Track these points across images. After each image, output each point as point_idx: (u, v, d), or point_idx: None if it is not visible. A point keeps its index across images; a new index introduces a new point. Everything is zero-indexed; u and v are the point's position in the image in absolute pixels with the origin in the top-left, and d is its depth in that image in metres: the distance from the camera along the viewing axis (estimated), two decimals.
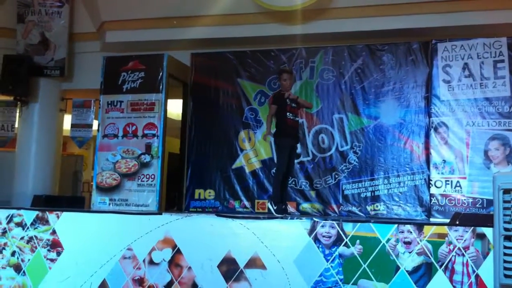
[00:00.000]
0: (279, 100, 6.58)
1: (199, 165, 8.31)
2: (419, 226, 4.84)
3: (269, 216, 6.09)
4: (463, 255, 4.62)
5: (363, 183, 7.61)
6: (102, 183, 8.04)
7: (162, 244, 5.53)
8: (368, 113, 7.75)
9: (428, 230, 4.79)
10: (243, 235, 5.28)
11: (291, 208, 7.65)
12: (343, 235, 4.97)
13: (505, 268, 3.44)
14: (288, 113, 6.52)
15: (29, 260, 5.97)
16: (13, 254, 6.05)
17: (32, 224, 6.05)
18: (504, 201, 3.45)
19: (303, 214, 7.66)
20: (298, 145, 7.81)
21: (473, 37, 7.27)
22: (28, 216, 6.10)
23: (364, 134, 7.72)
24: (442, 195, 7.10)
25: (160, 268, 5.49)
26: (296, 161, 7.83)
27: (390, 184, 7.49)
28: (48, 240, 5.94)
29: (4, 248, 6.08)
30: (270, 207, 6.38)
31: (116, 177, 7.99)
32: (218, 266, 5.28)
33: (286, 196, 7.00)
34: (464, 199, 7.01)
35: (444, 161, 7.16)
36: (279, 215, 6.16)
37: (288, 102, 6.56)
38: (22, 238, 6.05)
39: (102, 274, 5.66)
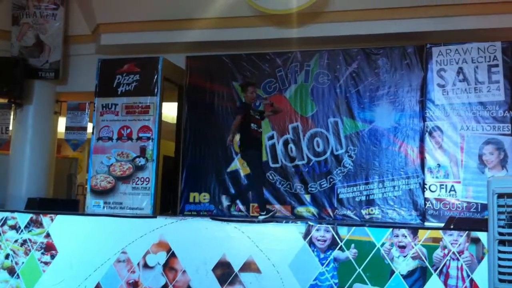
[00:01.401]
0: (245, 111, 6.60)
1: (194, 168, 8.29)
2: (414, 230, 4.85)
3: (264, 219, 6.10)
4: (457, 259, 4.63)
5: (358, 187, 7.62)
6: (96, 186, 8.01)
7: (156, 247, 5.52)
8: (363, 117, 7.77)
9: (423, 234, 4.79)
10: (238, 239, 5.28)
11: (282, 209, 7.66)
12: (338, 239, 4.98)
13: (500, 273, 3.45)
14: (252, 124, 6.56)
15: (23, 263, 5.95)
16: (7, 257, 6.02)
17: (26, 227, 6.02)
18: (499, 206, 3.45)
19: (298, 218, 7.65)
20: (293, 148, 7.86)
21: (468, 42, 7.31)
22: (22, 219, 6.07)
23: (359, 138, 7.73)
24: (436, 199, 7.12)
25: (154, 272, 5.47)
26: (291, 164, 7.88)
27: (384, 188, 7.50)
28: (42, 243, 5.92)
29: None
30: (260, 217, 6.34)
31: (110, 180, 7.97)
32: (213, 270, 5.27)
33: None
34: (459, 203, 7.02)
35: (439, 165, 7.17)
36: (272, 216, 6.18)
37: (252, 113, 6.60)
38: (16, 241, 6.03)
39: (97, 277, 5.65)
